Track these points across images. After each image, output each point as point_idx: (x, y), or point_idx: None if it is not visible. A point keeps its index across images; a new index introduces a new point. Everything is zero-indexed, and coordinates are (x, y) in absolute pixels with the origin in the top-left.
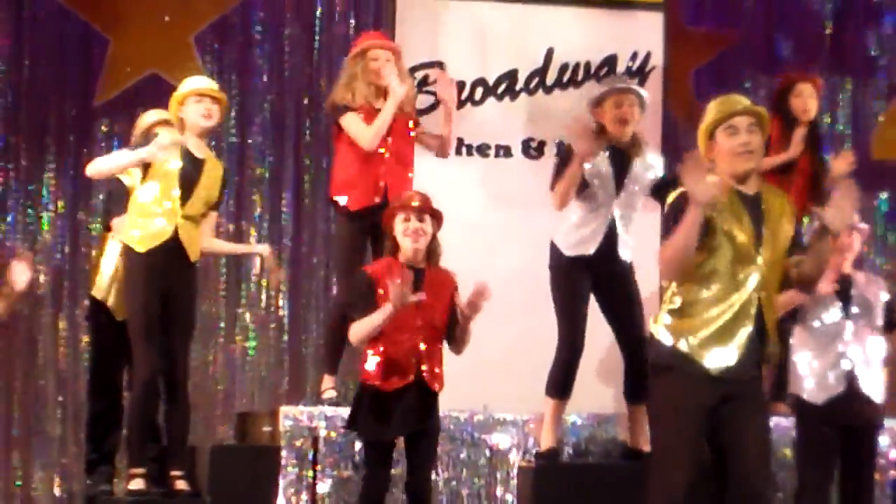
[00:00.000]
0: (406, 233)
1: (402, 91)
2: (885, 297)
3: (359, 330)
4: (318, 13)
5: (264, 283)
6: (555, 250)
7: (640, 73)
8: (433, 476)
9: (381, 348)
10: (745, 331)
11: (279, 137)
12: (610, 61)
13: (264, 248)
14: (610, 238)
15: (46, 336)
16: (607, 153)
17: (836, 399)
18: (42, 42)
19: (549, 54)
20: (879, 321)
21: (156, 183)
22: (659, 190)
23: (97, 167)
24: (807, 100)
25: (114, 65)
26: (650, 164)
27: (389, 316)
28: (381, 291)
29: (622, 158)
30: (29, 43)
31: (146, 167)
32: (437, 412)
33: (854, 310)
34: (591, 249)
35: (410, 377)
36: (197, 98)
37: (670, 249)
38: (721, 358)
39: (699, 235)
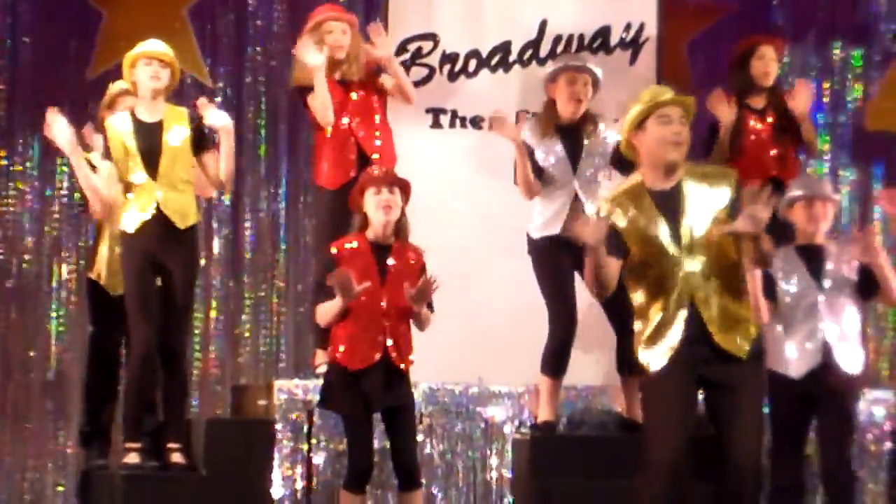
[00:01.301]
0: (378, 206)
1: (317, 61)
2: (856, 264)
3: (320, 314)
4: None
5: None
6: (528, 237)
7: (634, 45)
8: (428, 449)
9: (347, 328)
10: (682, 318)
11: (273, 109)
12: (603, 33)
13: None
14: (576, 215)
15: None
16: (558, 134)
17: (809, 373)
18: (36, 16)
19: (543, 26)
20: (853, 293)
21: (123, 165)
22: (619, 160)
23: (95, 207)
24: (768, 63)
25: (107, 38)
26: (604, 139)
27: (342, 306)
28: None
29: (575, 137)
30: (23, 16)
31: (106, 150)
32: (409, 387)
33: (826, 283)
34: (556, 229)
35: (376, 356)
36: (146, 61)
37: (590, 285)
38: (665, 347)
39: (609, 266)
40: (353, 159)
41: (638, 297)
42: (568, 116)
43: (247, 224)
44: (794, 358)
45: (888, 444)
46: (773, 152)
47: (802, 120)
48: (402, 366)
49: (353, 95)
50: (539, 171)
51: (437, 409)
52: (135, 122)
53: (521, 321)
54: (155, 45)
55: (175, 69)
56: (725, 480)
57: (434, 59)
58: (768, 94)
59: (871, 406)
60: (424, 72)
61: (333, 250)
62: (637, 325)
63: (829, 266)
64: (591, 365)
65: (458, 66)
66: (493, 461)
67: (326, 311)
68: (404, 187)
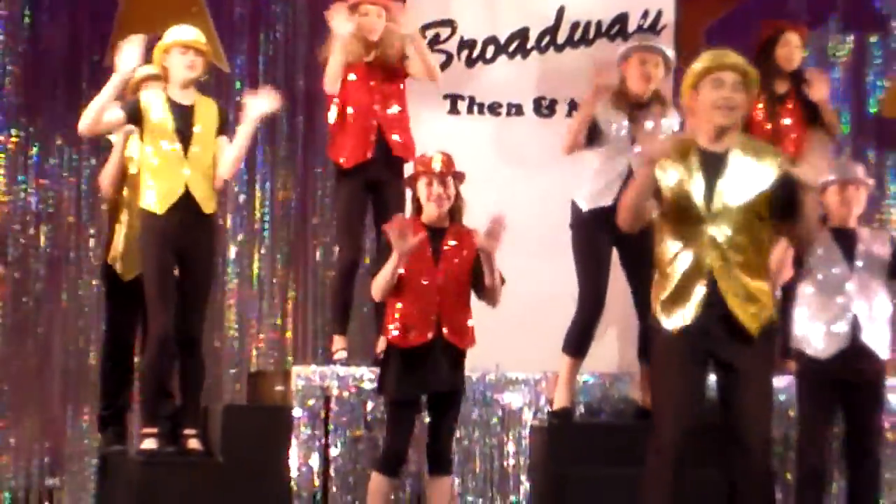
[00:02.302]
0: (430, 198)
1: (346, 30)
2: (889, 249)
3: (375, 284)
4: None
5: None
6: (574, 207)
7: (652, 31)
8: None
9: (400, 305)
10: (700, 289)
11: (291, 92)
12: (621, 19)
13: (253, 109)
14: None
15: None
16: (627, 109)
17: (839, 354)
18: (53, 1)
19: (561, 12)
20: (885, 277)
21: (154, 141)
22: None
23: (84, 121)
24: (793, 50)
25: (123, 23)
26: (665, 123)
27: (398, 264)
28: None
29: (641, 115)
30: (41, 1)
31: (141, 130)
32: (463, 371)
33: (858, 264)
34: (609, 200)
35: (429, 335)
36: (182, 49)
37: (623, 205)
38: (679, 317)
39: (651, 191)
40: (373, 141)
41: (661, 249)
42: (637, 94)
43: (265, 210)
44: (822, 338)
45: None
46: (793, 136)
47: (823, 105)
48: (461, 344)
49: (381, 79)
50: (597, 137)
51: None
52: (169, 100)
53: (538, 308)
54: (191, 34)
55: (209, 58)
56: (735, 464)
57: (452, 46)
58: (791, 78)
59: (889, 394)
60: (442, 58)
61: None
62: (655, 277)
63: (861, 248)
64: (610, 352)
65: (475, 53)
66: (511, 448)
67: (378, 279)
68: (458, 177)
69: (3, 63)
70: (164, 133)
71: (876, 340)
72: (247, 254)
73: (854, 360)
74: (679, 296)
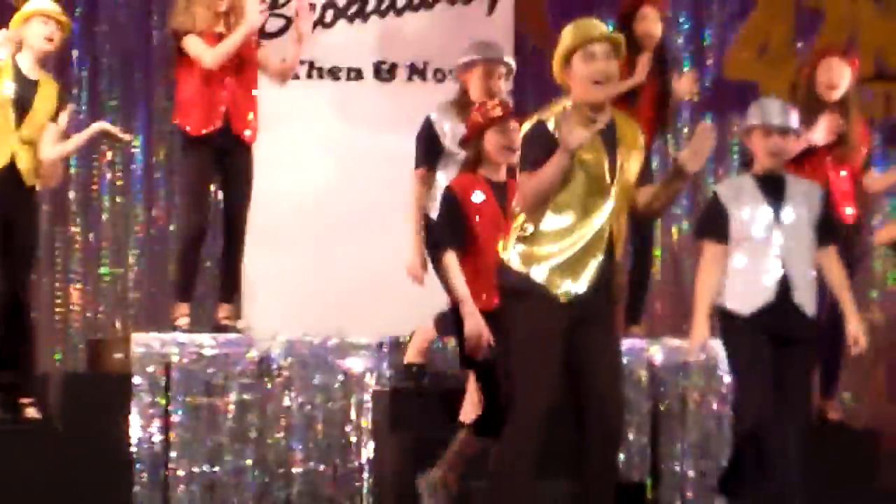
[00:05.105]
0: (503, 149)
1: (259, 20)
2: (820, 207)
3: (537, 183)
4: None
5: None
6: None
7: None
8: (287, 402)
9: (471, 267)
10: (596, 261)
11: (129, 66)
12: None
13: (101, 123)
14: None
15: None
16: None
17: (765, 309)
18: None
19: None
20: (814, 232)
21: None
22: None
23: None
24: (650, 24)
25: None
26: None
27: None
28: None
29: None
30: None
31: None
32: None
33: (786, 215)
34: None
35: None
36: (44, 19)
37: (533, 187)
38: (572, 287)
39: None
40: (223, 112)
41: (545, 220)
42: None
43: (106, 175)
44: (743, 292)
45: None
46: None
47: (675, 102)
48: None
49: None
50: (440, 151)
51: (296, 360)
52: (16, 69)
53: (380, 272)
54: (53, 5)
55: (67, 32)
56: (588, 420)
57: (290, 10)
58: (653, 55)
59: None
60: (281, 23)
61: (455, 188)
62: (526, 245)
63: (788, 200)
64: None
65: (315, 16)
66: (353, 414)
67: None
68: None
69: None
70: (5, 102)
71: (804, 297)
72: (86, 218)
73: (781, 316)
74: (572, 266)
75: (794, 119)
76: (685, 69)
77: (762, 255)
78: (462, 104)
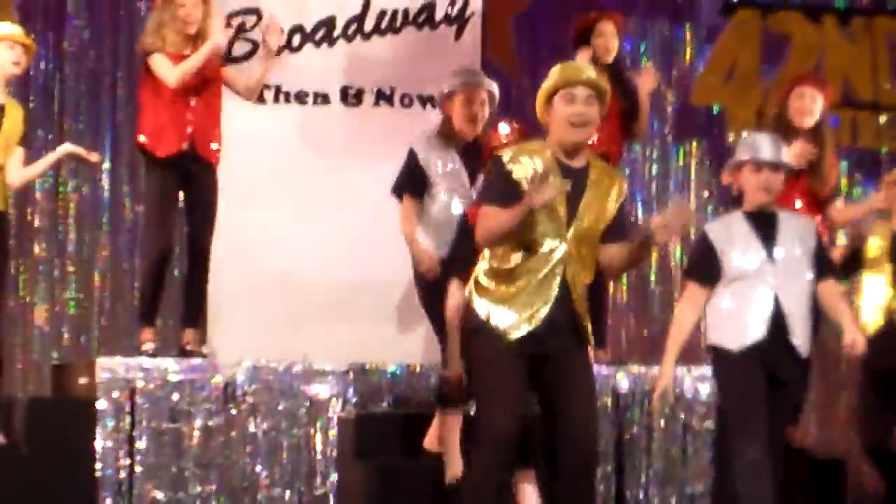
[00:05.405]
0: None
1: (223, 41)
2: (813, 241)
3: (493, 225)
4: None
5: (84, 232)
6: None
7: (459, 19)
8: (252, 427)
9: None
10: (547, 304)
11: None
12: (428, 7)
13: (66, 146)
14: None
15: None
16: (457, 153)
17: (757, 346)
18: None
19: (367, 1)
20: (809, 268)
21: None
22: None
23: None
24: (609, 39)
25: None
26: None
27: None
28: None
29: (473, 157)
30: None
31: None
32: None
33: (778, 253)
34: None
35: None
36: (10, 44)
37: (490, 226)
38: (518, 327)
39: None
40: (189, 133)
41: (501, 258)
42: (465, 133)
43: (70, 202)
44: (737, 329)
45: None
46: (605, 130)
47: (644, 100)
48: None
49: (197, 72)
50: (424, 182)
51: (261, 386)
52: None
53: (346, 299)
54: (19, 29)
55: (31, 56)
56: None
57: (258, 34)
58: (609, 71)
59: (697, 384)
60: (248, 47)
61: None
62: (487, 279)
63: (781, 235)
64: (416, 344)
65: (282, 41)
66: (318, 441)
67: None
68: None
69: None
70: None
71: (798, 335)
72: (54, 243)
73: (774, 354)
74: (521, 307)
75: (784, 154)
76: (644, 64)
77: (755, 293)
78: (446, 135)
